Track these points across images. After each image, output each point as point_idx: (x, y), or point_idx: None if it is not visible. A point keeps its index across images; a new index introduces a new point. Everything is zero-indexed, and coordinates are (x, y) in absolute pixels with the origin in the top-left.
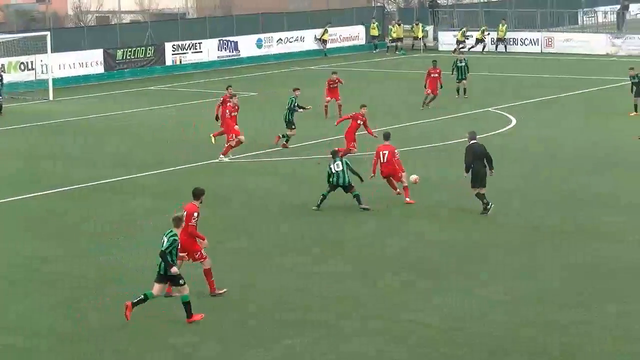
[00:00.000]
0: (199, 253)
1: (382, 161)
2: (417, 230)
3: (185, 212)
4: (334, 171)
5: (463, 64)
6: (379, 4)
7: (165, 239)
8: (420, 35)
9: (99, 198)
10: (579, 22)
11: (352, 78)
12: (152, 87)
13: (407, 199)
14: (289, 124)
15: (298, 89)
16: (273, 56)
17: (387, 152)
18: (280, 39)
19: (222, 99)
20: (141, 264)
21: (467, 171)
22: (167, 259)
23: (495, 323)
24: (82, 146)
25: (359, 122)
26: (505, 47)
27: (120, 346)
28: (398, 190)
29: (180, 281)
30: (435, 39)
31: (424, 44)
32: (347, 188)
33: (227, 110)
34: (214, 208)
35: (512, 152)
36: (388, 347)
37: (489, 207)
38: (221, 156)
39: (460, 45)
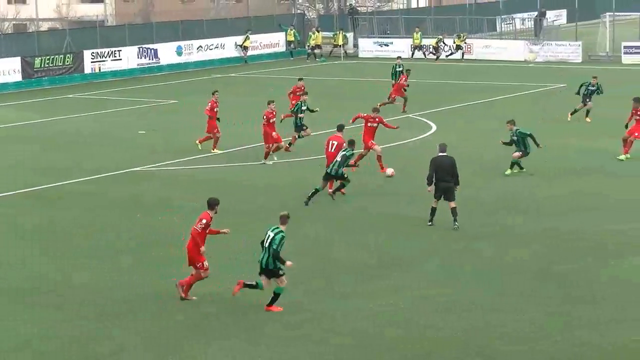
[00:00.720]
0: (201, 263)
1: (330, 150)
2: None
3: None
4: (335, 159)
5: (400, 69)
6: (299, 11)
7: (272, 234)
8: (340, 42)
9: (20, 205)
10: (497, 29)
11: (275, 85)
12: (71, 95)
13: (342, 190)
14: (298, 128)
15: (306, 94)
16: (193, 63)
17: (336, 142)
18: (200, 46)
19: (209, 103)
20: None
21: (428, 184)
22: (280, 255)
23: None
24: (1, 155)
25: (369, 124)
26: (424, 54)
27: None
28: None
29: (281, 272)
30: (356, 46)
31: (345, 51)
32: (337, 178)
33: (264, 117)
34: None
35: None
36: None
37: (456, 224)
38: (264, 160)
39: (435, 52)
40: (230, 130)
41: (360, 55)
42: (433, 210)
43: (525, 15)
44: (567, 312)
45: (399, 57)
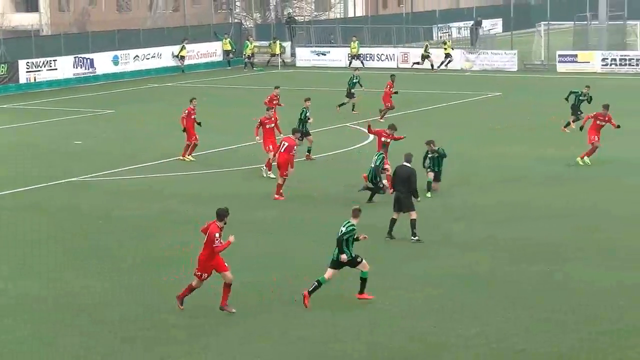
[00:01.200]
0: (197, 272)
1: (280, 150)
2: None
3: (209, 232)
4: (372, 165)
5: (357, 80)
6: (236, 21)
7: (344, 229)
8: (277, 51)
9: None
10: (434, 38)
11: (213, 95)
12: (5, 106)
13: (277, 196)
14: (302, 135)
15: (309, 99)
16: (130, 73)
17: (287, 144)
18: (137, 55)
19: (186, 110)
20: None
21: (391, 192)
22: (342, 246)
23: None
24: None
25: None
26: (362, 62)
27: None
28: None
29: (358, 259)
30: (293, 55)
31: (282, 60)
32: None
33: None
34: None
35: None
36: None
37: (414, 238)
38: (264, 169)
39: (418, 61)
40: (169, 140)
41: (298, 64)
42: (392, 221)
43: (461, 24)
44: (506, 318)
45: (356, 69)
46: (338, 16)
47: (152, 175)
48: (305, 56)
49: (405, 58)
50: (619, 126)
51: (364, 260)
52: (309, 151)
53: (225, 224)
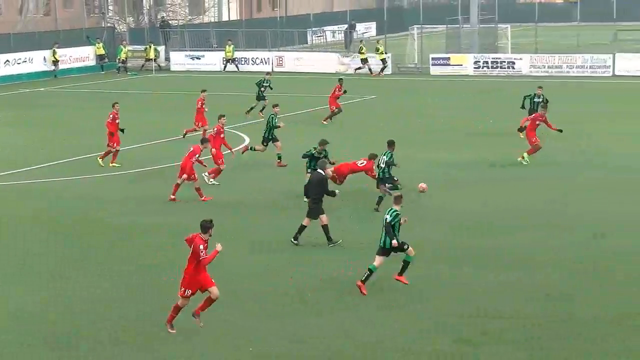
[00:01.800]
0: (181, 289)
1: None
2: None
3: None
4: (379, 165)
5: (268, 84)
6: (109, 25)
7: (389, 216)
8: (152, 56)
9: None
10: (309, 42)
11: (85, 99)
12: None
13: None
14: (265, 140)
15: (277, 105)
16: (0, 78)
17: (192, 149)
18: (7, 60)
19: (111, 115)
20: None
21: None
22: (392, 231)
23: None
24: None
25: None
26: (237, 66)
27: None
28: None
29: (405, 246)
30: (167, 59)
31: (158, 65)
32: (383, 180)
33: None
34: None
35: (246, 167)
36: None
37: (331, 244)
38: (208, 176)
39: (360, 66)
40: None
41: (173, 68)
42: (301, 227)
43: (335, 27)
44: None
45: (268, 73)
46: (212, 20)
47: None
48: (179, 60)
49: (281, 61)
50: (560, 130)
51: (410, 247)
52: (279, 158)
53: (210, 236)
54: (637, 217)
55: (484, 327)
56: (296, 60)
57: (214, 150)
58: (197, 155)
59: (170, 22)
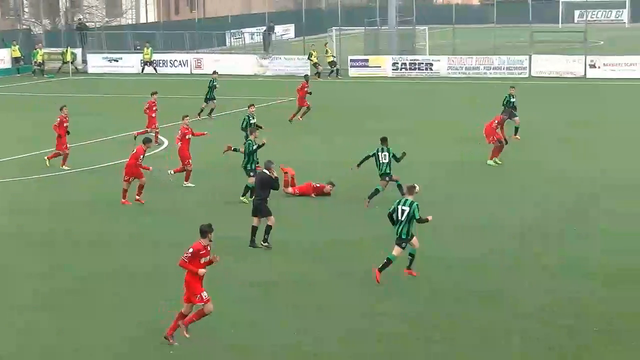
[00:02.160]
0: (198, 296)
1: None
2: None
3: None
4: (381, 161)
5: (215, 83)
6: (24, 27)
7: (407, 207)
8: (69, 58)
9: None
10: (227, 44)
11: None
12: None
13: (123, 200)
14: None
15: (253, 105)
16: None
17: (135, 150)
18: None
19: (58, 118)
20: None
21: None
22: (417, 217)
23: None
24: None
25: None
26: (155, 68)
27: None
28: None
29: (413, 237)
30: (84, 61)
31: (75, 67)
32: (385, 176)
33: (180, 132)
34: None
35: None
36: None
37: (265, 243)
38: (185, 183)
39: (317, 70)
40: None
41: (90, 71)
42: (253, 229)
43: (254, 29)
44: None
45: (214, 72)
46: (130, 22)
47: None
48: (97, 63)
49: (199, 64)
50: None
51: (416, 238)
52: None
53: (210, 240)
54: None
55: None
56: (215, 62)
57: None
58: (141, 157)
59: (87, 24)
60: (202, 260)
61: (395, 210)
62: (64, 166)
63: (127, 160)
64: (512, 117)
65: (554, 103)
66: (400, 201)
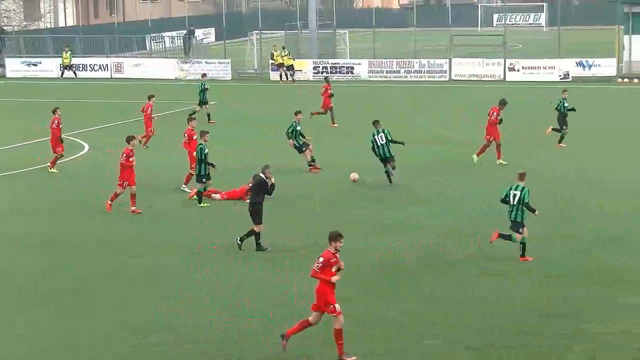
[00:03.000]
0: (332, 306)
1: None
2: None
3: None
4: (378, 144)
5: (207, 86)
6: None
7: (518, 192)
8: None
9: None
10: (147, 47)
11: None
12: None
13: (109, 202)
14: (300, 148)
15: (300, 113)
16: None
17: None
18: None
19: (55, 121)
20: None
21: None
22: (529, 205)
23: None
24: None
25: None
26: (75, 73)
27: None
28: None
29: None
30: (2, 65)
31: None
32: (387, 160)
33: (185, 135)
34: None
35: (87, 175)
36: None
37: (239, 241)
38: (183, 186)
39: (290, 72)
40: None
41: (8, 75)
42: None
43: (174, 33)
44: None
45: (204, 75)
46: (48, 26)
47: None
48: (15, 67)
49: (119, 68)
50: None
51: (526, 228)
52: (311, 162)
53: (337, 250)
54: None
55: None
56: (135, 67)
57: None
58: (129, 157)
59: (4, 28)
60: (333, 269)
61: (508, 195)
62: (52, 169)
63: (120, 164)
64: (563, 125)
65: (471, 105)
66: (512, 187)
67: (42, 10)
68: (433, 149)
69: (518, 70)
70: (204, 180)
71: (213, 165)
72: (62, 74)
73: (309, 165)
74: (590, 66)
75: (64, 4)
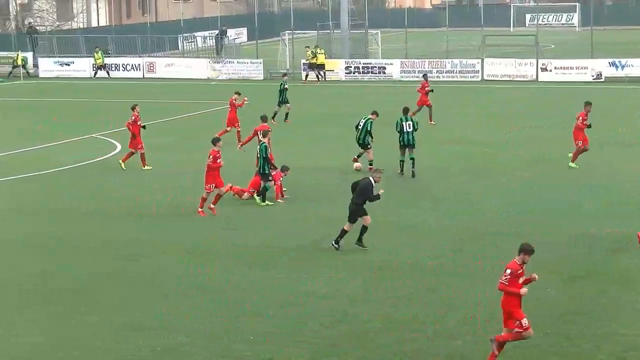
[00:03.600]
0: (519, 322)
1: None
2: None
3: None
4: (405, 130)
5: (286, 85)
6: None
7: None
8: (20, 62)
9: None
10: (180, 47)
11: None
12: None
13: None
14: (365, 145)
15: (375, 113)
16: None
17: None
18: None
19: (132, 117)
20: None
21: None
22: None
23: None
24: None
25: None
26: (108, 72)
27: None
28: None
29: None
30: (35, 65)
31: (27, 71)
32: (409, 147)
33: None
34: None
35: (126, 175)
36: None
37: (359, 242)
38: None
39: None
40: None
41: (41, 75)
42: (342, 231)
43: (206, 33)
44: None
45: (284, 74)
46: (81, 26)
47: None
48: (48, 67)
49: (152, 68)
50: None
51: None
52: (358, 155)
53: (524, 262)
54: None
55: None
56: (167, 67)
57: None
58: (218, 159)
59: (37, 28)
60: (520, 280)
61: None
62: (145, 167)
63: (207, 167)
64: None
65: (503, 106)
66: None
67: (75, 10)
68: (455, 150)
69: (550, 71)
70: (269, 178)
71: (275, 167)
72: (95, 73)
73: (370, 164)
74: (623, 66)
75: (97, 4)
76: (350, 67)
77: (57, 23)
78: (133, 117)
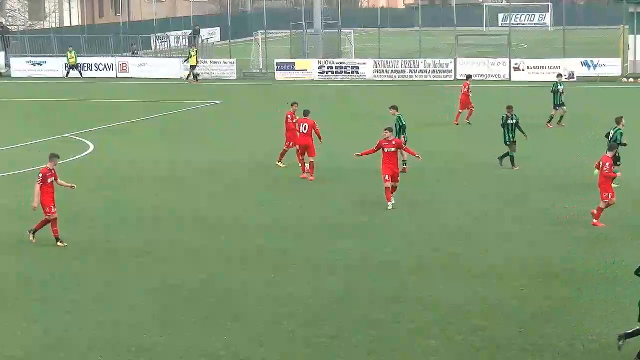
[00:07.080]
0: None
1: (302, 132)
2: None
3: None
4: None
5: (561, 87)
6: None
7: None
8: None
9: None
10: (152, 47)
11: None
12: None
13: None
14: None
15: (394, 107)
16: None
17: (307, 124)
18: None
19: (289, 115)
20: None
21: None
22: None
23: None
24: None
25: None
26: (80, 72)
27: None
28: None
29: None
30: (8, 65)
31: None
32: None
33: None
34: None
35: (91, 177)
36: None
37: None
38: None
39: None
40: None
41: (14, 75)
42: None
43: (179, 33)
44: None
45: (559, 75)
46: (54, 25)
47: None
48: (20, 67)
49: (124, 68)
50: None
51: None
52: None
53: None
54: None
55: None
56: (140, 67)
57: None
58: (294, 120)
59: (10, 27)
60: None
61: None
62: (279, 162)
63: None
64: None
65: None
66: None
67: (47, 10)
68: (430, 150)
69: (523, 70)
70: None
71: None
72: (68, 73)
73: (404, 164)
74: (595, 66)
75: (69, 4)
76: (324, 67)
77: (30, 23)
78: (289, 115)
